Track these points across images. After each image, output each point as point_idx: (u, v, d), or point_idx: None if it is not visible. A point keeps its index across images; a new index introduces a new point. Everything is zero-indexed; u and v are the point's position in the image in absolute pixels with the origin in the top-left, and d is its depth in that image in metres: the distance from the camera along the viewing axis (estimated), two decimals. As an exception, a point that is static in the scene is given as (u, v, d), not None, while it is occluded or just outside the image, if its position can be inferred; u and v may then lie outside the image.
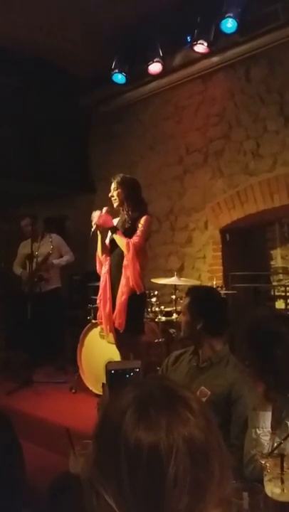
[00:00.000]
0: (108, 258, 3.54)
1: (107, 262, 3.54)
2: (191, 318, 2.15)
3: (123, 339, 3.48)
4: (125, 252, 3.37)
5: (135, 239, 3.37)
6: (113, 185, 3.54)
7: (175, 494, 0.56)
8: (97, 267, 3.62)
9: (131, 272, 3.33)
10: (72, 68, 5.45)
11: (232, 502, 0.64)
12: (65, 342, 4.94)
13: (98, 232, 3.51)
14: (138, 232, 3.39)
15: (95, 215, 3.50)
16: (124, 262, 3.38)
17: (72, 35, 4.93)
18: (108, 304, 3.46)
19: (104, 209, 3.54)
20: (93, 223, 3.47)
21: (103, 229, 3.48)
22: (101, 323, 3.60)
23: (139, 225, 3.42)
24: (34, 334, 4.61)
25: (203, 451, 0.59)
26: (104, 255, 3.55)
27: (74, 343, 4.29)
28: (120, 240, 3.40)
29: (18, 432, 1.87)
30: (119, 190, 3.50)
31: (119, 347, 3.56)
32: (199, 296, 2.23)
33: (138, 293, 3.36)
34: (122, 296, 3.36)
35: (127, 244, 3.36)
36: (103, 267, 3.57)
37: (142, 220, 3.43)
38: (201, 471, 0.58)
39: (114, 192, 3.52)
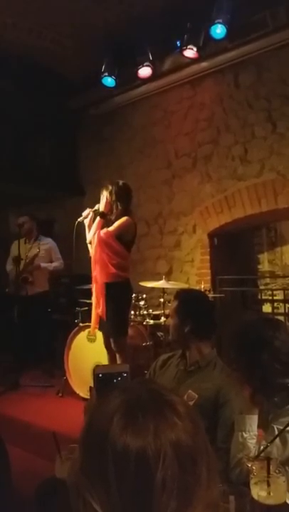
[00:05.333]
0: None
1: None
2: (179, 321, 2.15)
3: (107, 339, 3.61)
4: (92, 240, 3.53)
5: (103, 231, 3.46)
6: (109, 189, 3.55)
7: (163, 499, 0.56)
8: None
9: (96, 261, 3.49)
10: (62, 70, 5.44)
11: (219, 506, 0.64)
12: (53, 346, 4.91)
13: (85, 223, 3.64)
14: (110, 227, 3.46)
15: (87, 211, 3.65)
16: (93, 251, 3.53)
17: (63, 38, 4.92)
18: (95, 296, 3.59)
19: (97, 206, 3.63)
20: (83, 214, 3.60)
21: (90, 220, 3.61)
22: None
23: (115, 224, 3.47)
24: (21, 337, 4.57)
25: (191, 455, 0.59)
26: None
27: (61, 347, 4.26)
28: (93, 228, 3.52)
29: (4, 436, 1.85)
30: (113, 197, 3.53)
31: (107, 347, 3.63)
32: (187, 299, 2.23)
33: (100, 282, 3.48)
34: (97, 284, 3.53)
35: (94, 234, 3.49)
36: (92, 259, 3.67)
37: (120, 220, 3.47)
38: (188, 475, 0.58)
39: (109, 196, 3.54)
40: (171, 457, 0.57)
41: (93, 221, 3.61)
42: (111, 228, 3.45)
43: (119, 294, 3.54)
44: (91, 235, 3.54)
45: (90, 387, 1.39)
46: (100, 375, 1.37)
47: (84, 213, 3.63)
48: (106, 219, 3.51)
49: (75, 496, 0.61)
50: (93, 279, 3.59)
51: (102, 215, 3.51)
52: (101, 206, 3.57)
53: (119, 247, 3.49)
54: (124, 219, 3.47)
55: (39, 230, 5.08)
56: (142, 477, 0.56)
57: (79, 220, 3.63)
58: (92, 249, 3.54)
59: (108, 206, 3.52)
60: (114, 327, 3.52)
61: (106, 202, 3.53)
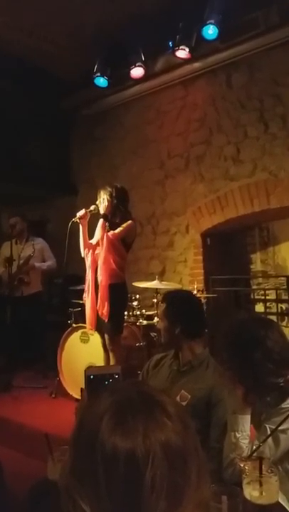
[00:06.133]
0: (91, 251, 3.67)
1: (90, 256, 3.65)
2: (169, 323, 2.16)
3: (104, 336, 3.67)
4: (99, 242, 3.57)
5: (110, 233, 3.53)
6: (109, 191, 3.59)
7: (152, 500, 0.56)
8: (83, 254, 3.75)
9: (103, 262, 3.52)
10: (55, 70, 5.42)
11: (210, 506, 0.64)
12: (45, 346, 4.89)
13: (80, 225, 3.66)
14: (117, 229, 3.55)
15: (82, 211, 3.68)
16: (101, 253, 3.56)
17: (55, 37, 4.90)
18: (92, 295, 3.62)
19: (93, 207, 3.67)
20: (78, 214, 3.62)
21: (85, 222, 3.65)
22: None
23: (121, 226, 3.57)
24: (14, 338, 4.55)
25: (180, 456, 0.59)
26: (86, 249, 3.68)
27: (54, 348, 4.25)
28: (99, 230, 3.58)
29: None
30: (114, 200, 3.60)
31: (105, 347, 3.68)
32: (174, 301, 2.24)
33: (104, 283, 3.52)
34: (101, 286, 3.55)
35: (103, 236, 3.52)
36: (86, 259, 3.69)
37: (126, 223, 3.58)
38: (178, 476, 0.58)
39: (111, 199, 3.58)
40: (161, 457, 0.57)
41: (87, 221, 3.64)
42: (117, 231, 3.54)
43: (119, 294, 3.63)
44: (98, 236, 3.58)
45: (82, 388, 1.38)
46: (91, 377, 1.36)
47: (79, 214, 3.62)
48: (109, 221, 3.57)
49: (65, 497, 0.61)
50: (92, 281, 3.62)
51: (106, 217, 3.57)
52: (102, 209, 3.61)
53: (122, 248, 3.60)
54: (129, 222, 3.60)
55: (30, 231, 5.06)
56: (131, 478, 0.56)
57: (74, 220, 3.63)
58: (99, 251, 3.57)
59: (110, 209, 3.58)
60: (113, 326, 3.59)
61: (108, 205, 3.58)
